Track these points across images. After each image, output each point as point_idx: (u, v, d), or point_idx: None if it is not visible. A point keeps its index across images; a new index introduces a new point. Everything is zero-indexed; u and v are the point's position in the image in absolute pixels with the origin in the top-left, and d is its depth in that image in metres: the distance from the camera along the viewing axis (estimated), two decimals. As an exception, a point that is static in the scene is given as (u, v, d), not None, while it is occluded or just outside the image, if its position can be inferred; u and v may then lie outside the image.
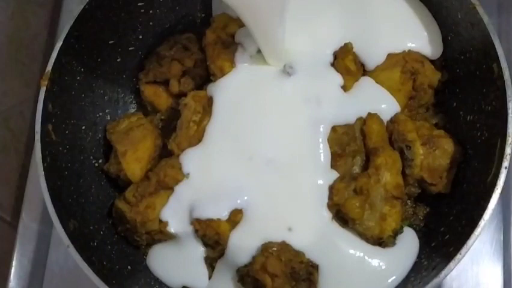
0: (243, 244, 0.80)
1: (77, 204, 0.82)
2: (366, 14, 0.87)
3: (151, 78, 0.90)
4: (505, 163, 0.72)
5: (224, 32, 0.87)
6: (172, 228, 0.82)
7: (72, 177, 0.83)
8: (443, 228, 0.80)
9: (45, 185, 0.76)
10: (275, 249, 0.78)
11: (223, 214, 0.80)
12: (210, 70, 0.87)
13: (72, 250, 0.73)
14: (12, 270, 0.93)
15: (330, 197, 0.80)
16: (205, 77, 0.90)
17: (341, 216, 0.80)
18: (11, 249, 0.94)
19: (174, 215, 0.81)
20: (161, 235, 0.82)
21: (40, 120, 0.78)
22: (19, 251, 0.94)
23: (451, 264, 0.71)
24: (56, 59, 0.80)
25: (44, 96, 0.79)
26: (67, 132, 0.84)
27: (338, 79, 0.84)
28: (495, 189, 0.72)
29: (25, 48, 1.04)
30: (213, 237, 0.81)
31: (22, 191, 0.98)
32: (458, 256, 0.71)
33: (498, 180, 0.72)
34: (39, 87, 0.80)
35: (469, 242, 0.71)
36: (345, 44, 0.85)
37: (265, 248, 0.78)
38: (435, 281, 0.71)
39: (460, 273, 0.87)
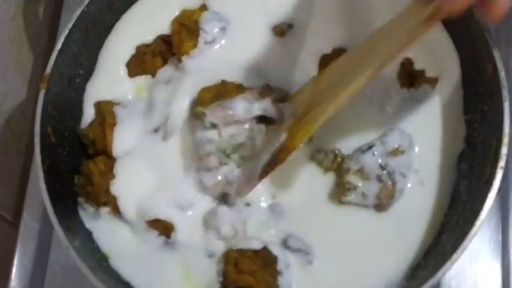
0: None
1: (76, 206, 0.83)
2: (367, 18, 0.86)
3: (132, 76, 0.89)
4: (501, 163, 0.72)
5: (188, 19, 0.87)
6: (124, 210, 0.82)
7: (72, 179, 0.84)
8: (438, 229, 0.80)
9: (45, 187, 0.77)
10: (236, 255, 0.78)
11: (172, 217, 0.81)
12: (177, 57, 0.87)
13: (72, 252, 0.74)
14: (14, 269, 0.94)
15: None
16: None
17: None
18: (12, 248, 0.95)
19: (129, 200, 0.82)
20: (116, 211, 0.82)
21: (39, 123, 0.79)
22: (20, 251, 0.94)
23: (448, 263, 0.70)
24: (54, 62, 0.81)
25: (43, 99, 0.80)
26: (66, 134, 0.84)
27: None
28: (491, 189, 0.72)
29: (27, 49, 1.04)
30: (163, 232, 0.81)
31: (23, 190, 0.98)
32: (455, 256, 0.70)
33: (494, 181, 0.72)
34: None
35: (465, 242, 0.71)
36: (344, 49, 0.85)
37: (228, 259, 0.78)
38: (432, 280, 0.71)
39: (459, 272, 0.87)
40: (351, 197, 0.80)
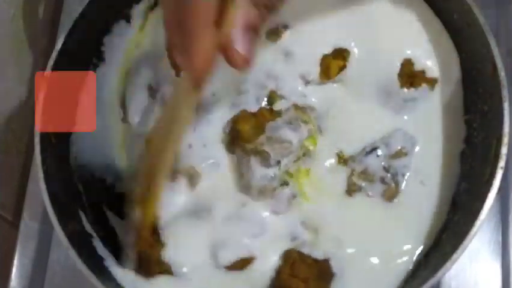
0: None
1: (77, 207, 0.83)
2: (368, 18, 0.86)
3: None
4: (501, 163, 0.72)
5: None
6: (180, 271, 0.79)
7: (72, 179, 0.83)
8: (440, 227, 0.80)
9: (45, 187, 0.76)
10: (296, 256, 0.78)
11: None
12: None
13: (71, 253, 0.74)
14: (14, 269, 0.94)
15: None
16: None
17: None
18: (12, 248, 0.95)
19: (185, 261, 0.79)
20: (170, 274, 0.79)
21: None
22: (20, 251, 0.94)
23: (448, 263, 0.71)
24: (54, 62, 0.81)
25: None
26: (66, 134, 0.84)
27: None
28: (491, 189, 0.72)
29: (26, 49, 1.04)
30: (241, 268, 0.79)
31: (23, 190, 0.98)
32: (455, 256, 0.70)
33: (494, 181, 0.72)
34: (40, 88, 0.81)
35: (465, 242, 0.71)
36: (345, 50, 0.84)
37: (287, 258, 0.78)
38: (432, 280, 0.71)
39: (459, 272, 0.87)
40: (357, 198, 0.81)
